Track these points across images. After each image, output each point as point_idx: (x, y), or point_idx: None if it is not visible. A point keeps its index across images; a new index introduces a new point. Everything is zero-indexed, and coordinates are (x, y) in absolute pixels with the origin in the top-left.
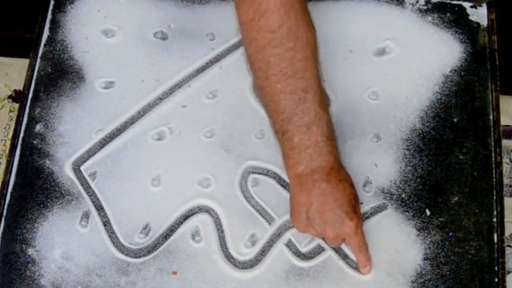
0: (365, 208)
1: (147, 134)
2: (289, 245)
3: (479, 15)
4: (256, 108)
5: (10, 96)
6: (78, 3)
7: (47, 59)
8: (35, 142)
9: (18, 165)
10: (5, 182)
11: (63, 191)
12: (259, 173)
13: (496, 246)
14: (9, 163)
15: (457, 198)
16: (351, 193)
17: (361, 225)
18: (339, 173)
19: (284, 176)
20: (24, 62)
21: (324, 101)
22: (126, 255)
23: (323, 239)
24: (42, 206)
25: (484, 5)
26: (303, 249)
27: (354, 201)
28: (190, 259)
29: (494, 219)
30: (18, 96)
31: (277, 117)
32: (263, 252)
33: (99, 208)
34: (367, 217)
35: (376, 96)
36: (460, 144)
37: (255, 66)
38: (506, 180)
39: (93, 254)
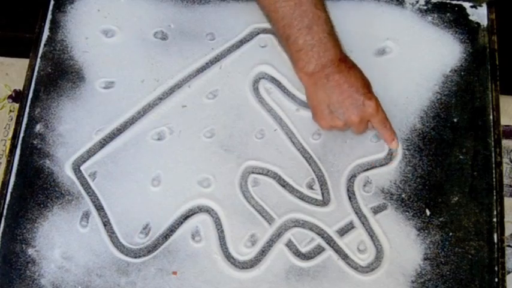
0: (365, 208)
1: (147, 134)
2: (289, 245)
3: (479, 15)
4: (256, 108)
5: (10, 96)
6: (78, 3)
7: (47, 59)
8: (35, 142)
9: (18, 165)
10: (5, 182)
11: (63, 191)
12: (259, 173)
13: (496, 246)
14: (9, 163)
15: (457, 198)
16: (362, 77)
17: (380, 103)
18: (347, 62)
19: (284, 176)
20: (24, 62)
21: (320, 2)
22: (126, 255)
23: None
24: (42, 206)
25: (484, 5)
26: (303, 249)
27: (367, 83)
28: (190, 259)
29: (494, 219)
30: (18, 96)
31: (278, 24)
32: (263, 252)
33: (99, 208)
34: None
35: (376, 96)
36: (460, 144)
37: None
38: (506, 180)
39: (93, 254)
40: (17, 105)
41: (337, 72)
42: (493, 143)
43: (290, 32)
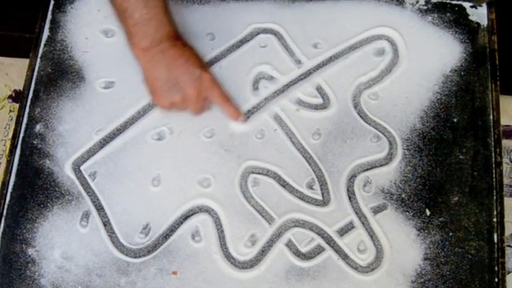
0: (365, 208)
1: (147, 134)
2: (289, 245)
3: (479, 15)
4: (256, 108)
5: (10, 96)
6: (78, 3)
7: (47, 59)
8: (35, 142)
9: (18, 165)
10: (5, 182)
11: (63, 191)
12: (259, 173)
13: (496, 246)
14: (9, 163)
15: (457, 198)
16: (196, 52)
17: (215, 78)
18: (180, 38)
19: (284, 176)
20: (24, 62)
21: None
22: (126, 255)
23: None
24: (42, 206)
25: (484, 5)
26: (303, 249)
27: (200, 58)
28: (190, 259)
29: (494, 219)
30: (18, 96)
31: None
32: (263, 252)
33: (99, 208)
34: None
35: (376, 96)
36: (460, 144)
37: None
38: (506, 180)
39: (93, 254)
40: (17, 105)
41: (173, 46)
42: (493, 143)
43: (127, 6)
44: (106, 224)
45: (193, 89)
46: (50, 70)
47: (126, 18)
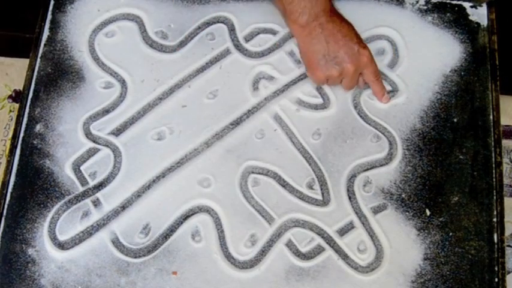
0: (365, 208)
1: (147, 134)
2: (289, 245)
3: (479, 15)
4: (256, 108)
5: (10, 96)
6: (78, 3)
7: (47, 59)
8: (35, 142)
9: (18, 165)
10: (5, 182)
11: (63, 191)
12: (259, 173)
13: (496, 246)
14: (9, 163)
15: (457, 198)
16: (354, 29)
17: (372, 55)
18: (338, 14)
19: (284, 176)
20: (24, 62)
21: None
22: (126, 255)
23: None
24: (42, 206)
25: (484, 5)
26: (303, 249)
27: (359, 35)
28: (190, 259)
29: (494, 219)
30: (18, 96)
31: None
32: (263, 252)
33: (99, 208)
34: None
35: None
36: (460, 144)
37: None
38: (506, 180)
39: (93, 254)
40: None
41: (331, 22)
42: (493, 143)
43: None
44: (106, 224)
45: (351, 63)
46: (50, 70)
47: None
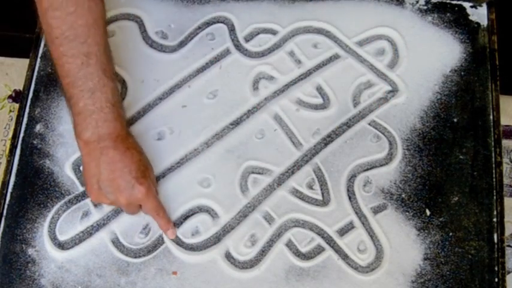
0: (365, 208)
1: (147, 134)
2: (289, 245)
3: (479, 15)
4: (256, 108)
5: (10, 96)
6: None
7: (47, 59)
8: (35, 142)
9: (18, 165)
10: (5, 182)
11: (63, 191)
12: (259, 173)
13: (496, 246)
14: (9, 163)
15: (457, 198)
16: (140, 160)
17: (153, 190)
18: (126, 141)
19: (284, 176)
20: (24, 62)
21: (110, 70)
22: (126, 255)
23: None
24: (42, 206)
25: (484, 5)
26: (303, 249)
27: (143, 168)
28: (190, 259)
29: (494, 219)
30: (18, 96)
31: (63, 81)
32: (263, 252)
33: (99, 208)
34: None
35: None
36: (460, 144)
37: (43, 29)
38: (506, 180)
39: (93, 254)
40: (17, 105)
41: (113, 149)
42: (493, 143)
43: (73, 92)
44: (106, 224)
45: (123, 197)
46: (50, 70)
47: (72, 105)
